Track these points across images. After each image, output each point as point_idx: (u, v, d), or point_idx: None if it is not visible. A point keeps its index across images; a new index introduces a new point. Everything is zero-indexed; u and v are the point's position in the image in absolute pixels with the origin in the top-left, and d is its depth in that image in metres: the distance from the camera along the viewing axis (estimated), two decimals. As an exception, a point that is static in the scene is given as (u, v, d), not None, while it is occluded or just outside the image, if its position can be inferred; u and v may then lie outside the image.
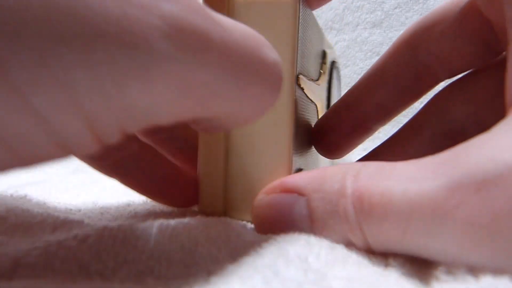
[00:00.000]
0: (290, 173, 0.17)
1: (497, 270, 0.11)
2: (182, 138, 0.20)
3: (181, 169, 0.20)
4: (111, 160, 0.19)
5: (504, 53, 0.19)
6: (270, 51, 0.13)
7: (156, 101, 0.10)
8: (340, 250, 0.14)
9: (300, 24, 0.17)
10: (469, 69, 0.20)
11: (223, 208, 0.18)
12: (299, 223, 0.15)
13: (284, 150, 0.17)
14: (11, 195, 0.20)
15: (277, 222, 0.15)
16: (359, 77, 0.23)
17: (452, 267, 0.12)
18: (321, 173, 0.15)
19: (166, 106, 0.11)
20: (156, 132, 0.19)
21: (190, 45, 0.10)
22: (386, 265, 0.13)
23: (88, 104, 0.09)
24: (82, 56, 0.09)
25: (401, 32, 0.22)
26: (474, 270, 0.12)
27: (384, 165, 0.14)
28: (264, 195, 0.16)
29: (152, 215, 0.19)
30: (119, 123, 0.10)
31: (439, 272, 0.12)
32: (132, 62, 0.09)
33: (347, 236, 0.14)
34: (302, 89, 0.19)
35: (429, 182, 0.12)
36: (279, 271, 0.12)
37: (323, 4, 0.21)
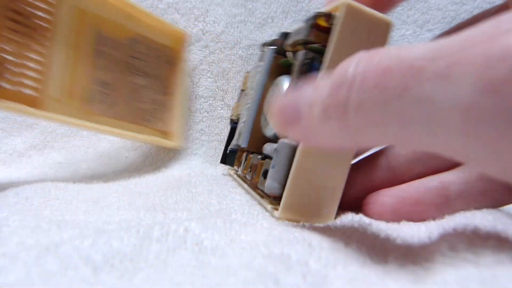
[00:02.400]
0: (344, 181, 0.19)
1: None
2: None
3: None
4: None
5: None
6: None
7: None
8: (342, 251, 0.14)
9: None
10: None
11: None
12: (308, 108, 0.13)
13: (342, 172, 0.19)
14: (13, 200, 0.20)
15: (289, 113, 0.14)
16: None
17: (454, 244, 0.12)
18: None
19: None
20: None
21: None
22: (386, 261, 0.13)
23: None
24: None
25: (403, 31, 0.21)
26: (476, 248, 0.11)
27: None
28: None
29: (154, 215, 0.19)
30: None
31: (443, 248, 0.12)
32: None
33: (340, 107, 0.12)
34: None
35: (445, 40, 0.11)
36: (279, 279, 0.12)
37: None
